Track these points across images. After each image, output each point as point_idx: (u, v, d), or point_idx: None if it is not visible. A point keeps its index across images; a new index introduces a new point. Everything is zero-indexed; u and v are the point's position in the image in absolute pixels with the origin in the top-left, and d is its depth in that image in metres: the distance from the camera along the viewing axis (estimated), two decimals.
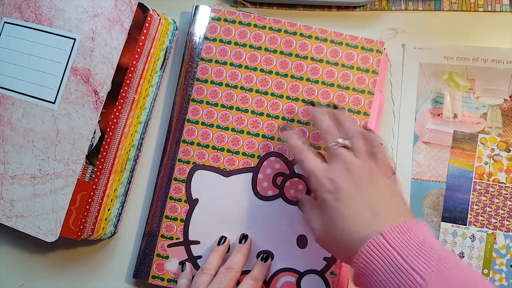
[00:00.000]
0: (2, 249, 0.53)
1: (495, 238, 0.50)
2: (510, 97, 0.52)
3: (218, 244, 0.49)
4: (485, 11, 0.54)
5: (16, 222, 0.46)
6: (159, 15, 0.49)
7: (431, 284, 0.33)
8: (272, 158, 0.50)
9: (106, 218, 0.49)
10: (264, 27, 0.51)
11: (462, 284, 0.34)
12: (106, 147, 0.47)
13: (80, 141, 0.46)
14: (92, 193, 0.47)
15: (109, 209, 0.49)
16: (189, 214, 0.50)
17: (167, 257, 0.50)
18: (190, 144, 0.51)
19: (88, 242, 0.52)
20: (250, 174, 0.50)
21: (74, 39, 0.47)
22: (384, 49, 0.51)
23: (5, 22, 0.48)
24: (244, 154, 0.50)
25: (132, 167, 0.51)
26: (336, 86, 0.50)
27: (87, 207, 0.46)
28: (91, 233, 0.48)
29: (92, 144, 0.47)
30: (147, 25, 0.48)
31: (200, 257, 0.50)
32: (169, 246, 0.50)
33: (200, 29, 0.52)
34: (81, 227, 0.46)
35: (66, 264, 0.52)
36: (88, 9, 0.47)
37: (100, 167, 0.47)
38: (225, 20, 0.51)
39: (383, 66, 0.51)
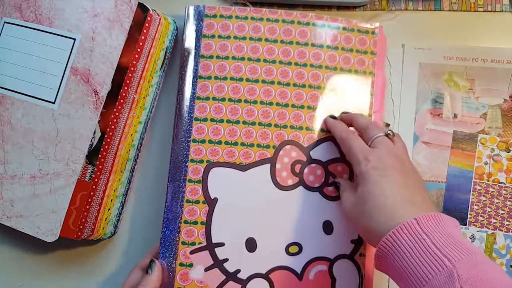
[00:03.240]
0: (2, 249, 0.53)
1: (495, 238, 0.50)
2: (510, 97, 0.52)
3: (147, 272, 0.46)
4: (485, 11, 0.54)
5: (16, 222, 0.46)
6: (159, 15, 0.49)
7: (459, 267, 0.33)
8: (287, 146, 0.49)
9: (106, 218, 0.49)
10: (261, 19, 0.50)
11: (495, 282, 0.33)
12: (106, 147, 0.47)
13: (80, 141, 0.46)
14: (92, 193, 0.47)
15: (109, 209, 0.49)
16: (210, 215, 0.47)
17: (191, 265, 0.46)
18: (201, 142, 0.49)
19: (88, 242, 0.52)
20: (268, 165, 0.49)
21: (74, 39, 0.47)
22: (381, 27, 0.51)
23: (5, 22, 0.48)
24: (259, 145, 0.49)
25: (132, 167, 0.51)
26: (339, 69, 0.50)
27: (87, 207, 0.46)
28: (91, 233, 0.48)
29: (92, 144, 0.47)
30: (147, 25, 0.48)
31: (226, 260, 0.47)
32: (192, 252, 0.47)
33: (196, 28, 0.50)
34: (81, 227, 0.46)
35: (66, 264, 0.52)
36: (88, 9, 0.47)
37: (100, 167, 0.47)
38: (221, 16, 0.51)
39: (381, 46, 0.51)
